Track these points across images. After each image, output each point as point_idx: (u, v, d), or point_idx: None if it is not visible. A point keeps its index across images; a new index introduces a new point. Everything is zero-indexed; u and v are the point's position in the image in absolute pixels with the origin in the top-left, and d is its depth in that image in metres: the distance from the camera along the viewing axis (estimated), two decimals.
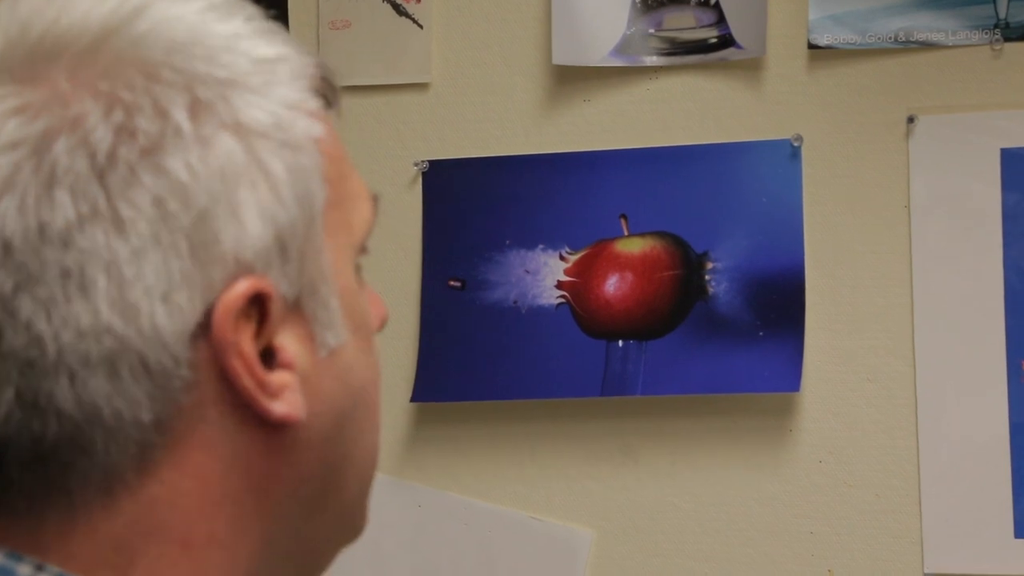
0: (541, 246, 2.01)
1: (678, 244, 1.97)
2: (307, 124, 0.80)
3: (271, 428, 0.77)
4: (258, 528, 0.79)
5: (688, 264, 1.96)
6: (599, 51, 2.00)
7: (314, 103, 0.81)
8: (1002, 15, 1.89)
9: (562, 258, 2.00)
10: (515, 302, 2.01)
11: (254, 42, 0.80)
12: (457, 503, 2.04)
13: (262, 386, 0.76)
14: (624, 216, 1.99)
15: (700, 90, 1.98)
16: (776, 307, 1.92)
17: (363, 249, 0.84)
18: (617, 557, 2.00)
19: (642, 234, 1.98)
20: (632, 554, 2.00)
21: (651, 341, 1.96)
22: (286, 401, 0.77)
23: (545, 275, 2.01)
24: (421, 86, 2.07)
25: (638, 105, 2.00)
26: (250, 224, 0.76)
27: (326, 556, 0.85)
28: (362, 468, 0.84)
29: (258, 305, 0.76)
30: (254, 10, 0.82)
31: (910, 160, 1.91)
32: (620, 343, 1.97)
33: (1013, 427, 1.88)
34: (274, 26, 0.82)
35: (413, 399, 2.03)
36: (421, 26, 2.06)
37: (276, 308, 0.77)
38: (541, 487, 2.02)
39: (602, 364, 1.97)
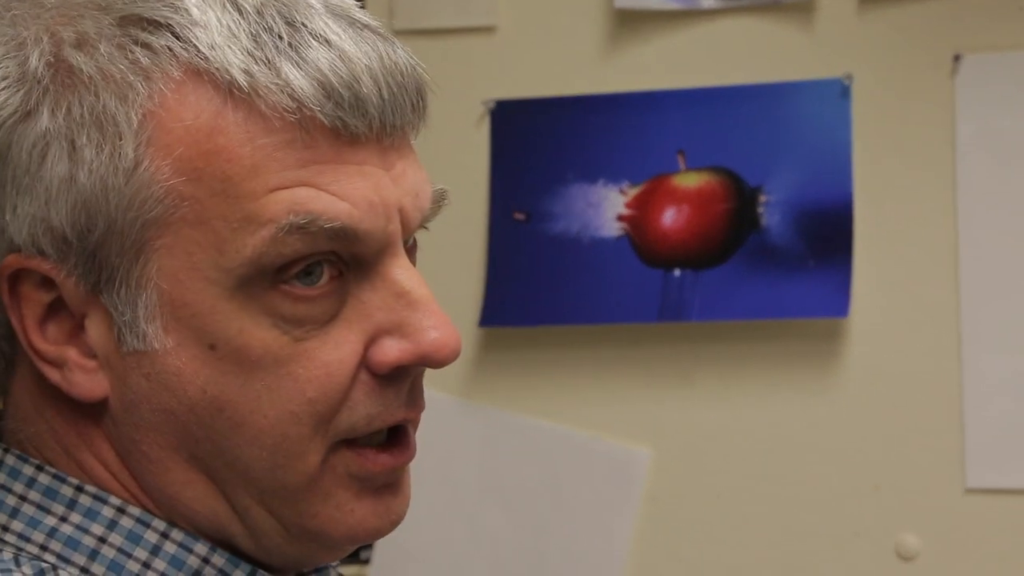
0: (602, 181, 2.06)
1: (733, 179, 2.02)
2: (129, 104, 0.77)
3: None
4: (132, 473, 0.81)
5: (742, 197, 2.02)
6: None
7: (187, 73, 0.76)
8: None
9: (622, 192, 2.06)
10: (577, 233, 2.07)
11: None
12: (522, 423, 2.09)
13: (35, 351, 0.79)
14: (681, 152, 2.04)
15: (754, 31, 2.03)
16: (825, 238, 1.97)
17: (269, 273, 0.77)
18: (673, 475, 2.05)
19: (698, 169, 2.04)
20: (687, 472, 2.05)
21: (706, 270, 2.01)
22: (63, 374, 0.79)
23: (606, 208, 2.06)
24: (489, 29, 2.12)
25: (695, 46, 2.05)
26: (27, 208, 0.77)
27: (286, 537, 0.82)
28: (251, 478, 0.80)
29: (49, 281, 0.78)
30: None
31: (955, 99, 1.95)
32: (677, 272, 2.03)
33: None
34: None
35: (481, 324, 2.09)
36: None
37: (67, 289, 0.78)
38: (602, 408, 2.07)
39: (659, 292, 2.03)
